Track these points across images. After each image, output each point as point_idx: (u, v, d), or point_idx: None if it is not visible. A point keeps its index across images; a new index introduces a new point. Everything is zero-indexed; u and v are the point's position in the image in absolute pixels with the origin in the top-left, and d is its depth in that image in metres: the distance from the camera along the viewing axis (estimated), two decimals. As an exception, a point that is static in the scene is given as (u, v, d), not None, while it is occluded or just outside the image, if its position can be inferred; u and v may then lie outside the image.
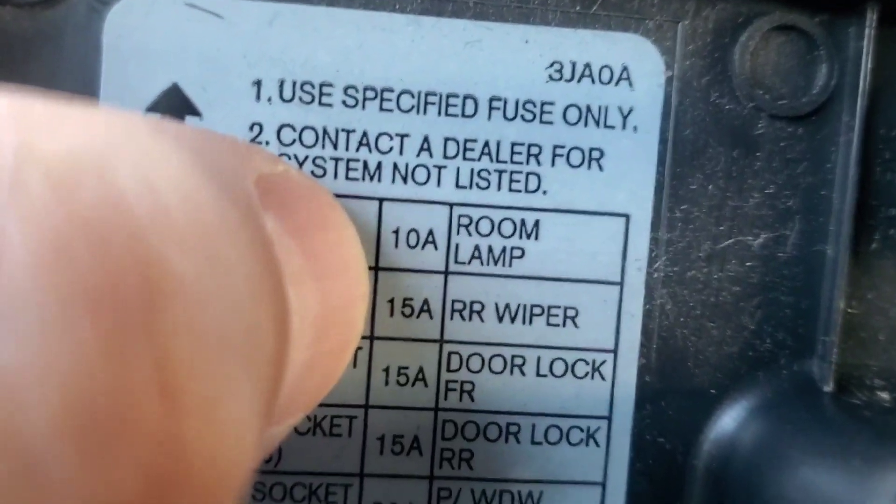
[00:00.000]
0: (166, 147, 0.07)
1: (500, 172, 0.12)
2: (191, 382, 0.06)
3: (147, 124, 0.08)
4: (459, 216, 0.12)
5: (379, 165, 0.12)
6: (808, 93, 0.12)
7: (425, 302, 0.12)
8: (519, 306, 0.12)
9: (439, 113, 0.12)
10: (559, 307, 0.12)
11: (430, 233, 0.12)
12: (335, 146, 0.12)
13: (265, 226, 0.08)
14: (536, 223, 0.12)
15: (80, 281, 0.06)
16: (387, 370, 0.12)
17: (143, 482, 0.06)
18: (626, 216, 0.12)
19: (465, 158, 0.12)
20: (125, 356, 0.06)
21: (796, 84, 0.12)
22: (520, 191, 0.12)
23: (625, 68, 0.12)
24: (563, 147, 0.12)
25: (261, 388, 0.07)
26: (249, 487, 0.11)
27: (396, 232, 0.12)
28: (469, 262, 0.12)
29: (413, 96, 0.12)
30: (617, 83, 0.12)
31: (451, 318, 0.12)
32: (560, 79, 0.12)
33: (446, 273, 0.12)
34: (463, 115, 0.12)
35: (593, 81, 0.12)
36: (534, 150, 0.12)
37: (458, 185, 0.12)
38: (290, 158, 0.12)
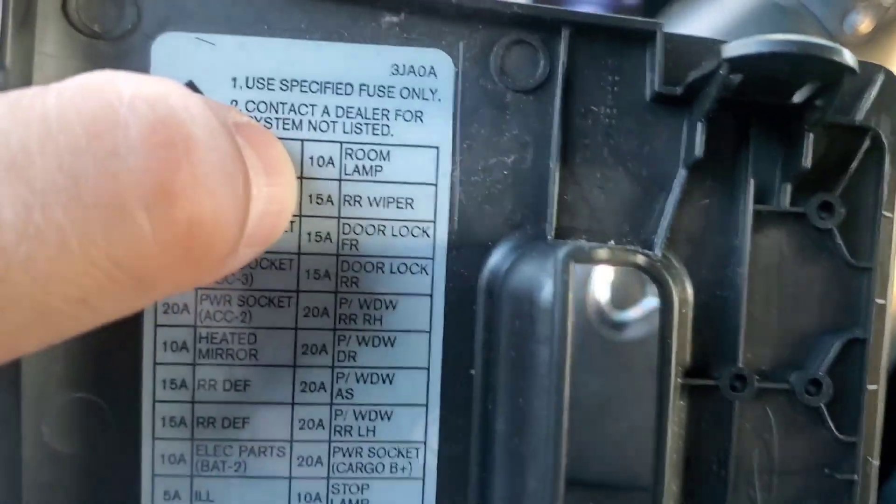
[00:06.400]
0: (193, 95, 0.17)
1: (367, 123, 0.22)
2: (203, 183, 0.16)
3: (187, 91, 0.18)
4: (346, 148, 0.22)
5: (300, 122, 0.22)
6: (533, 76, 0.23)
7: (329, 196, 0.22)
8: (382, 198, 0.22)
9: (333, 92, 0.22)
10: (403, 198, 0.23)
11: (331, 158, 0.22)
12: (276, 111, 0.22)
13: (235, 136, 0.18)
14: (388, 152, 0.22)
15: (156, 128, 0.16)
16: (309, 233, 0.22)
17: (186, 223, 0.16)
18: (437, 147, 0.22)
19: (347, 117, 0.22)
20: (178, 163, 0.16)
21: (527, 73, 0.23)
22: (377, 134, 0.22)
23: (432, 67, 0.22)
24: (401, 110, 0.22)
25: (238, 205, 0.17)
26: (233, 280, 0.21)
27: (312, 157, 0.22)
28: (352, 174, 0.22)
29: (318, 83, 0.22)
30: (428, 75, 0.22)
31: (343, 204, 0.22)
32: (397, 73, 0.22)
33: (340, 180, 0.22)
34: (345, 93, 0.22)
35: (416, 74, 0.22)
36: (386, 112, 0.22)
37: (344, 132, 0.22)
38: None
